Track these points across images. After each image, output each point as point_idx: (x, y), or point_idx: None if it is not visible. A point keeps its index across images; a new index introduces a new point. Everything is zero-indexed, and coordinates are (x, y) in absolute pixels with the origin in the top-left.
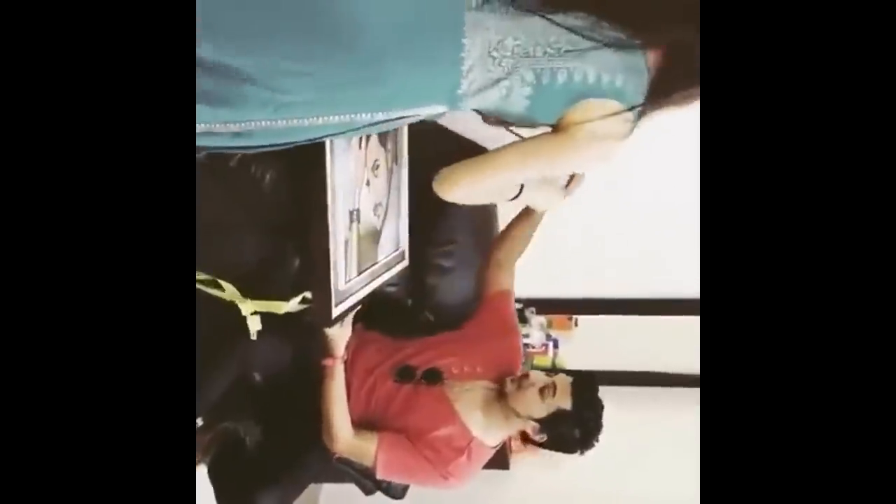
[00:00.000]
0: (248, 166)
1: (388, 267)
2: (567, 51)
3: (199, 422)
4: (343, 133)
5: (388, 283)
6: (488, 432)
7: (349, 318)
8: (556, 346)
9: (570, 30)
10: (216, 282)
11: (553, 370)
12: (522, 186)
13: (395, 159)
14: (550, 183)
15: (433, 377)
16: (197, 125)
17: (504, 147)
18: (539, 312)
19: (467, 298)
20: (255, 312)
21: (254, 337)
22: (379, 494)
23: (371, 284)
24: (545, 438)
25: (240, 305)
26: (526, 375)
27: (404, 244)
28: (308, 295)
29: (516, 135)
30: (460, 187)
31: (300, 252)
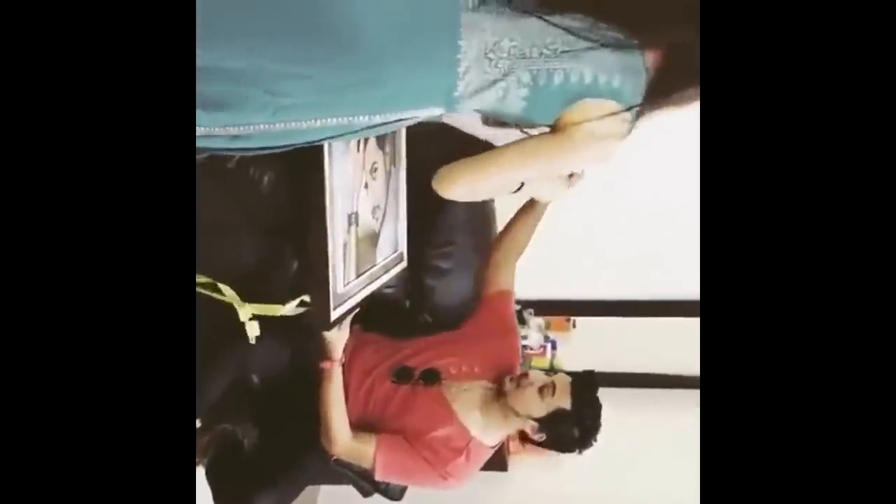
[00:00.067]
0: (246, 168)
1: (387, 269)
2: (563, 51)
3: (198, 423)
4: (341, 136)
5: (386, 285)
6: (487, 432)
7: (347, 321)
8: (554, 347)
9: (567, 31)
10: (214, 285)
11: (552, 371)
12: (523, 182)
13: (394, 161)
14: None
15: (431, 377)
16: (196, 128)
17: (503, 147)
18: (537, 314)
19: (466, 299)
20: (254, 317)
21: (252, 342)
22: (377, 496)
23: (369, 287)
24: (544, 437)
25: (238, 310)
26: (525, 374)
27: (403, 246)
28: (306, 298)
29: (524, 132)
30: (459, 186)
31: (298, 254)
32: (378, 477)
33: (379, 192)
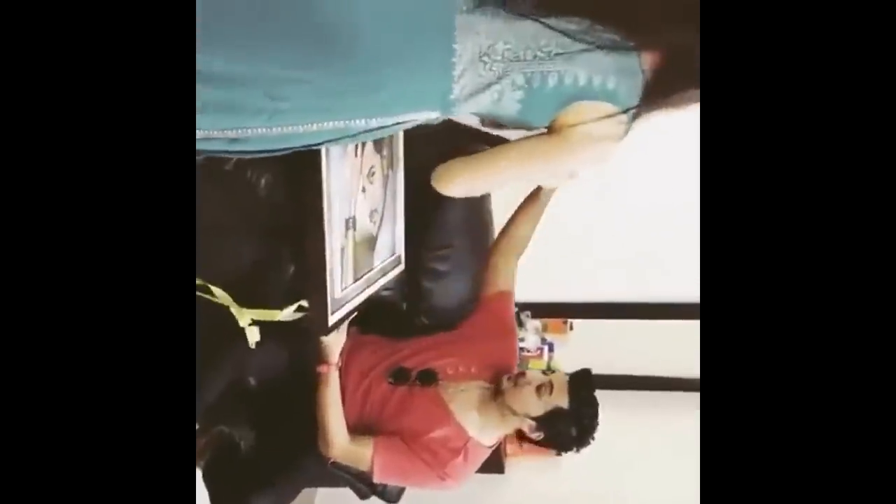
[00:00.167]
0: (243, 170)
1: (384, 272)
2: (557, 54)
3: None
4: (339, 139)
5: (383, 287)
6: (484, 432)
7: (344, 325)
8: (551, 349)
9: (563, 33)
10: (208, 288)
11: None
12: None
13: (391, 165)
14: None
15: (428, 378)
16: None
17: (500, 147)
18: (534, 316)
19: (463, 301)
20: (254, 322)
21: (253, 347)
22: (374, 498)
23: (367, 291)
24: (542, 436)
25: (237, 316)
26: (522, 374)
27: (400, 249)
28: (304, 303)
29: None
30: (456, 185)
31: (296, 258)
32: (376, 479)
33: (376, 196)
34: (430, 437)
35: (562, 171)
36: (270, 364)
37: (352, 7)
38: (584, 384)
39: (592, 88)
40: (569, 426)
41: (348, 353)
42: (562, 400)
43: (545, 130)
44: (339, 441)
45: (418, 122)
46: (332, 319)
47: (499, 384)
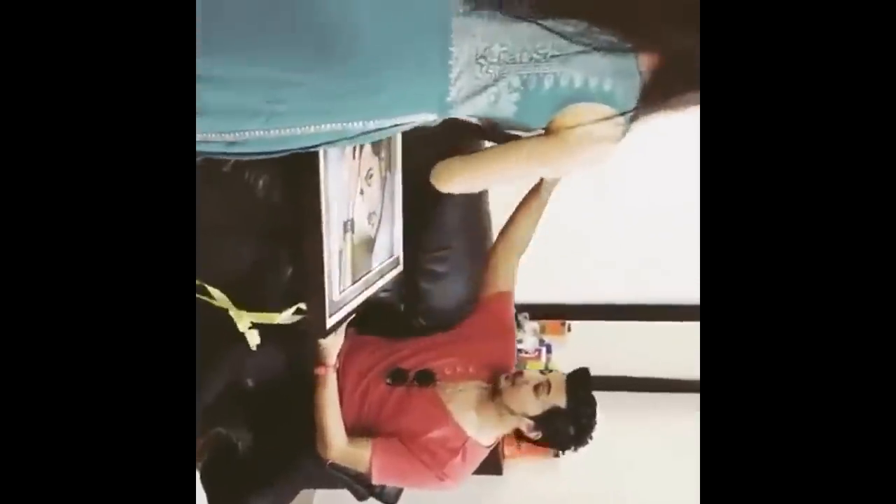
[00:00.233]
0: (241, 171)
1: (382, 274)
2: (553, 56)
3: None
4: (336, 141)
5: (381, 289)
6: (483, 431)
7: (342, 327)
8: (549, 351)
9: (560, 35)
10: (207, 290)
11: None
12: None
13: (389, 167)
14: None
15: (425, 379)
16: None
17: (498, 147)
18: (532, 318)
19: (461, 302)
20: (253, 325)
21: (254, 349)
22: (372, 500)
23: (365, 293)
24: (540, 435)
25: (236, 320)
26: (520, 373)
27: (398, 250)
28: (302, 306)
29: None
30: (455, 183)
31: (293, 261)
32: (375, 480)
33: (375, 198)
34: (429, 437)
35: (559, 172)
36: (268, 366)
37: (351, 10)
38: (582, 383)
39: (589, 90)
40: (567, 425)
41: (346, 354)
42: (559, 399)
43: (543, 132)
44: (337, 443)
45: (416, 124)
46: (330, 322)
47: (496, 384)
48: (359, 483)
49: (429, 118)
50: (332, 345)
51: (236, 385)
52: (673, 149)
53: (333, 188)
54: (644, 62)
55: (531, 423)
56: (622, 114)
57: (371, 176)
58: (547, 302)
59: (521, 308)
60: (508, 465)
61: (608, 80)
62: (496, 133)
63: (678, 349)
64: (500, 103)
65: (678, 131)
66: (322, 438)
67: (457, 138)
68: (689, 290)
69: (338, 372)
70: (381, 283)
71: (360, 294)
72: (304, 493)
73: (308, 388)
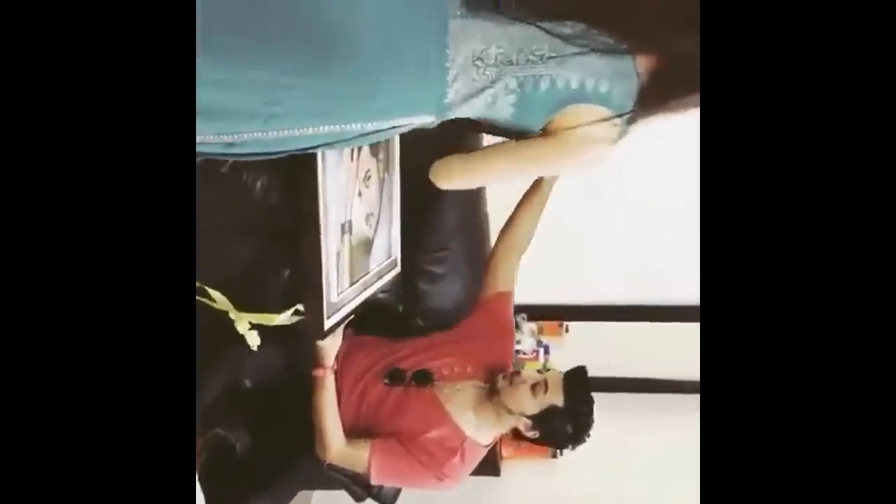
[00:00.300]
0: (239, 172)
1: (380, 275)
2: (550, 57)
3: None
4: (334, 143)
5: (379, 290)
6: (481, 431)
7: (340, 328)
8: (546, 352)
9: (557, 36)
10: (206, 291)
11: (544, 369)
12: None
13: (387, 168)
14: None
15: (423, 379)
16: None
17: (497, 147)
18: (530, 319)
19: (459, 303)
20: (252, 326)
21: (255, 349)
22: (370, 500)
23: (363, 294)
24: (537, 434)
25: (235, 321)
26: (517, 372)
27: (396, 252)
28: (300, 307)
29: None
30: (453, 183)
31: (291, 262)
32: (373, 481)
33: (373, 200)
34: (427, 437)
35: (557, 172)
36: (266, 367)
37: (349, 13)
38: (579, 382)
39: (585, 92)
40: (564, 424)
41: (344, 355)
42: (557, 398)
43: (541, 133)
44: (335, 444)
45: (414, 126)
46: (328, 324)
47: (494, 383)
48: (357, 484)
49: (426, 120)
50: (330, 346)
51: (234, 386)
52: (672, 150)
53: (331, 190)
54: (642, 64)
55: (529, 422)
56: (619, 115)
57: (369, 177)
58: (545, 303)
59: (519, 309)
60: (506, 467)
61: (605, 81)
62: (494, 131)
63: (678, 350)
64: (497, 105)
65: (678, 133)
66: (320, 440)
67: (455, 139)
68: (688, 291)
69: (336, 373)
70: (379, 285)
71: (358, 295)
72: (301, 494)
73: (306, 390)
